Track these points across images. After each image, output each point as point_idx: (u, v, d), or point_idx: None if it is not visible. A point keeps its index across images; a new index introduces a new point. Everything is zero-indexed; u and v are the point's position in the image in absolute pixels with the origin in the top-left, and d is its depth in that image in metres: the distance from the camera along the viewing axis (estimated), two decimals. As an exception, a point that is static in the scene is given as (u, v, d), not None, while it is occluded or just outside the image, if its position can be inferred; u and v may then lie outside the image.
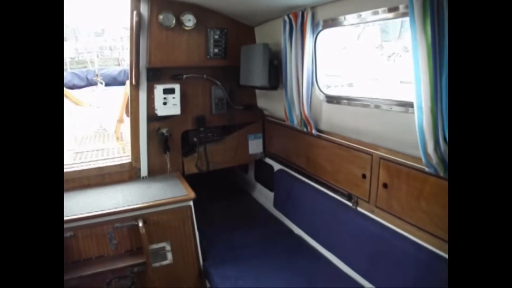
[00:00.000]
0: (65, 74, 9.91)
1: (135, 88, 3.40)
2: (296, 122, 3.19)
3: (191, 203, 3.16)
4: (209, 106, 3.78)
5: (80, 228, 2.90)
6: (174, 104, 3.46)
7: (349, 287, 2.76)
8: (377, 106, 2.42)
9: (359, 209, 2.82)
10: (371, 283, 2.66)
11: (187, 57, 3.42)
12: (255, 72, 3.23)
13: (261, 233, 3.63)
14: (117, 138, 4.88)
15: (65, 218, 2.88)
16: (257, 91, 3.90)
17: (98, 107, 6.49)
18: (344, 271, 2.92)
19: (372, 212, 2.70)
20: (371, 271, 2.66)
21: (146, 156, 3.58)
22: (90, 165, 3.55)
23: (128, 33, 3.35)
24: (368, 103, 2.50)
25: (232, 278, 2.98)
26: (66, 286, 2.84)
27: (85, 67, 11.99)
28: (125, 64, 9.73)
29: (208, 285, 3.27)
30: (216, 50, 3.49)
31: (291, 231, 3.62)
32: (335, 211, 3.01)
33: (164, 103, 3.42)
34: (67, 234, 2.84)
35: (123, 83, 6.66)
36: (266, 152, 4.17)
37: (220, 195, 4.66)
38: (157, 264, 3.11)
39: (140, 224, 2.91)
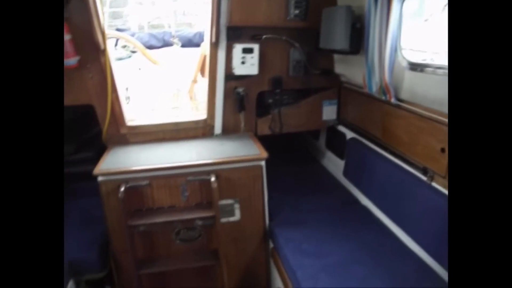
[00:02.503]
0: (143, 35, 10.19)
1: (214, 46, 3.43)
2: (375, 89, 3.07)
3: (263, 163, 3.19)
4: (286, 68, 3.72)
5: (155, 178, 3.04)
6: (252, 64, 3.46)
7: (414, 264, 2.68)
8: None
9: (433, 184, 2.68)
10: (439, 263, 2.56)
11: (267, 17, 3.37)
12: (336, 35, 3.13)
13: (327, 201, 3.62)
14: (191, 98, 4.99)
15: (142, 167, 3.05)
16: (335, 56, 3.78)
17: (173, 67, 6.66)
18: (410, 247, 2.84)
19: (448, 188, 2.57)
20: (440, 250, 2.53)
21: (221, 114, 3.65)
22: (166, 119, 3.68)
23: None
24: None
25: (296, 241, 3.01)
26: (137, 230, 3.04)
27: (161, 30, 12.25)
28: (200, 28, 9.85)
29: (271, 245, 3.33)
30: (296, 11, 3.40)
31: (358, 202, 3.57)
32: (407, 184, 2.89)
33: (242, 63, 3.43)
34: (143, 183, 3.00)
35: (198, 45, 6.75)
36: (340, 119, 4.07)
37: (289, 160, 4.66)
38: (224, 220, 3.20)
39: (212, 179, 2.99)
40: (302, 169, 4.41)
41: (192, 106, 4.47)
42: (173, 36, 7.58)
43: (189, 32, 9.63)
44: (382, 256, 2.77)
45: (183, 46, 7.84)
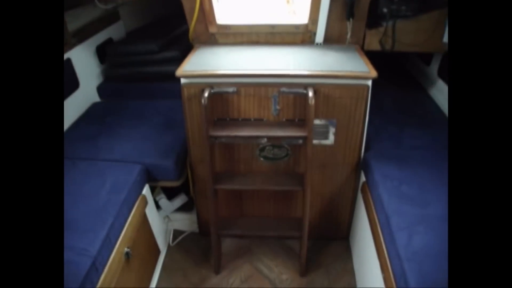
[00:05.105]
0: None
1: None
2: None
3: (370, 83, 2.66)
4: None
5: (244, 85, 2.67)
6: None
7: None
8: None
9: None
10: None
11: None
12: None
13: (434, 138, 3.08)
14: (287, 1, 4.48)
15: (230, 72, 2.68)
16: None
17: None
18: None
19: None
20: None
21: (325, 20, 3.07)
22: (261, 21, 3.24)
23: None
24: None
25: (394, 180, 2.58)
26: (218, 141, 2.77)
27: None
28: None
29: (363, 179, 2.93)
30: None
31: None
32: None
33: None
34: (229, 89, 2.65)
35: None
36: None
37: (392, 83, 4.07)
38: (316, 142, 2.82)
39: (310, 94, 2.53)
40: (406, 96, 3.84)
41: (289, 10, 3.96)
42: None
43: None
44: None
45: None
